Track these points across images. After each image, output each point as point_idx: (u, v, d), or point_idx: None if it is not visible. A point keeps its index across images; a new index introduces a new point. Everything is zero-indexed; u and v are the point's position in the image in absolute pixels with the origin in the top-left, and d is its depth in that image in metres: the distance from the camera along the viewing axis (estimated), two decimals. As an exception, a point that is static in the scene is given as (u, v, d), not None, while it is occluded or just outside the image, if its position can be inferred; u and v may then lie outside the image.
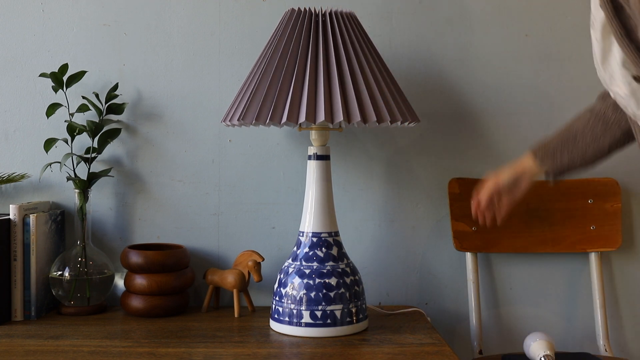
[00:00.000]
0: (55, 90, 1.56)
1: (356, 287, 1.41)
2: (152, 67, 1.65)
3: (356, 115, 1.30)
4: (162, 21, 1.65)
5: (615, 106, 1.25)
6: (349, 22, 1.40)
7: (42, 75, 1.57)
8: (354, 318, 1.39)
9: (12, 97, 1.65)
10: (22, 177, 1.62)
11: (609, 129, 1.27)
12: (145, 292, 1.50)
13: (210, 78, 1.66)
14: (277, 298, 1.41)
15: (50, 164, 1.58)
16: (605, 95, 1.30)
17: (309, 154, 1.43)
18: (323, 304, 1.36)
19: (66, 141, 1.59)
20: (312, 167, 1.43)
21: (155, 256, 1.50)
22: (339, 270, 1.39)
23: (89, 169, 1.59)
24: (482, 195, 1.33)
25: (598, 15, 1.02)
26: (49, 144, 1.54)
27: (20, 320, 1.48)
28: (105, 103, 1.60)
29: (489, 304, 1.71)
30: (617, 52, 1.01)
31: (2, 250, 1.45)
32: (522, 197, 1.33)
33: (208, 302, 1.58)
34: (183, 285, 1.53)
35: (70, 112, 1.59)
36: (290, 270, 1.40)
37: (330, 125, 1.41)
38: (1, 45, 1.64)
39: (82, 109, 1.58)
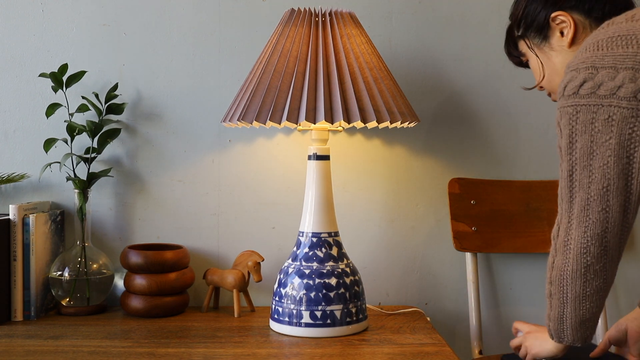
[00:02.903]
0: (55, 90, 1.56)
1: (356, 287, 1.40)
2: (152, 67, 1.65)
3: (356, 115, 1.30)
4: (162, 21, 1.65)
5: None
6: (349, 22, 1.40)
7: (42, 75, 1.57)
8: (354, 318, 1.39)
9: (12, 97, 1.65)
10: (22, 177, 1.62)
11: None
12: (145, 292, 1.50)
13: (210, 78, 1.66)
14: (277, 298, 1.41)
15: (50, 164, 1.57)
16: None
17: (309, 154, 1.43)
18: (323, 304, 1.36)
19: (66, 141, 1.59)
20: (312, 167, 1.43)
21: (155, 256, 1.50)
22: (339, 270, 1.39)
23: (88, 169, 1.59)
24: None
25: None
26: (48, 144, 1.54)
27: (20, 320, 1.48)
28: (105, 103, 1.60)
29: (489, 304, 1.71)
30: None
31: (2, 250, 1.45)
32: None
33: (208, 302, 1.58)
34: (183, 285, 1.53)
35: (70, 112, 1.59)
36: (290, 270, 1.40)
37: (330, 125, 1.41)
38: (1, 45, 1.64)
39: (82, 109, 1.58)
